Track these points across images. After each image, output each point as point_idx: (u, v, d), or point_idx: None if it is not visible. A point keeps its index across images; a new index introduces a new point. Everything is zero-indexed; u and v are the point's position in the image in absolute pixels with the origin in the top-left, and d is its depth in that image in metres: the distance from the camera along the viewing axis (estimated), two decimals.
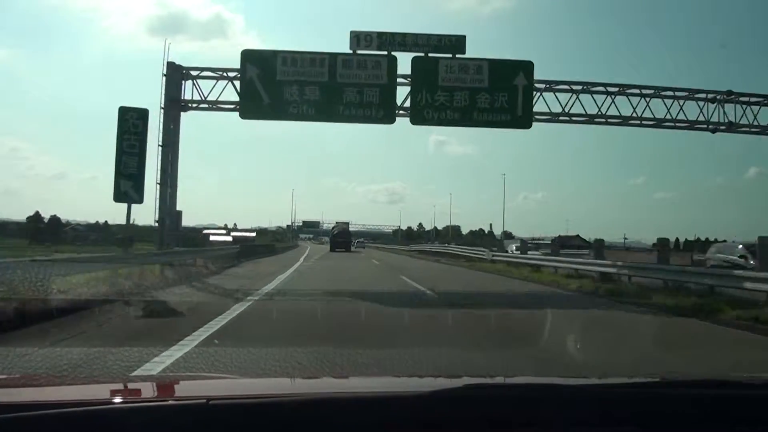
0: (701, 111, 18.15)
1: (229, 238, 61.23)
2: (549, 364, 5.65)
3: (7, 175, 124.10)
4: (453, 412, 1.54)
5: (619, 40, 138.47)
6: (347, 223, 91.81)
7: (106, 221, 73.65)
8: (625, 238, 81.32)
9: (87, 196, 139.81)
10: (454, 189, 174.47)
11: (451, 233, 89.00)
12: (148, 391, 2.02)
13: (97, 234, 68.35)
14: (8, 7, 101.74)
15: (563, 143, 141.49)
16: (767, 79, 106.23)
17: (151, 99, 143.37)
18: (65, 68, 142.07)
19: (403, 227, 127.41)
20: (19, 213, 79.95)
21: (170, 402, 1.55)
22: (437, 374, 4.02)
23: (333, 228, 65.41)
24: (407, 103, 17.20)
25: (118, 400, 1.56)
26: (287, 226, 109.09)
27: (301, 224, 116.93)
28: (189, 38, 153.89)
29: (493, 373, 4.32)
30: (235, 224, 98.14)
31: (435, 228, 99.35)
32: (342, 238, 56.10)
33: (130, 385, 2.34)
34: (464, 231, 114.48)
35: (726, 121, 17.99)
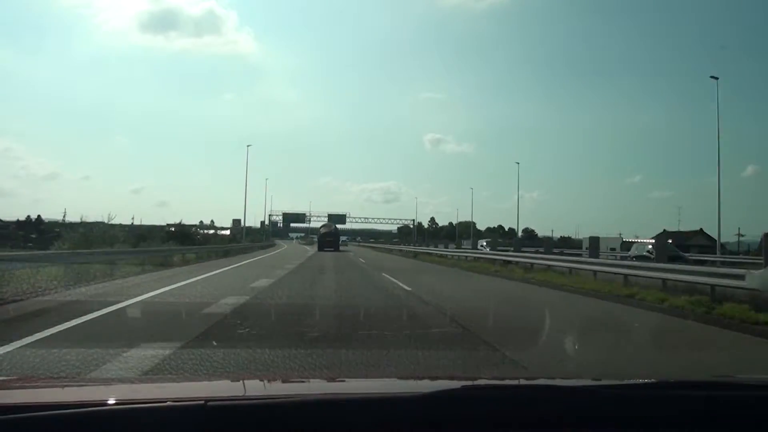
0: None
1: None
2: None
3: (0, 176, 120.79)
4: (452, 412, 1.55)
5: (616, 37, 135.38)
6: (343, 215, 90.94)
7: (39, 216, 68.31)
8: (740, 236, 60.20)
9: (80, 196, 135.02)
10: (453, 188, 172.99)
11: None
12: (146, 392, 2.02)
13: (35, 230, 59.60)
14: None
15: (561, 142, 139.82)
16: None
17: (148, 96, 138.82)
18: (57, 66, 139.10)
19: (401, 226, 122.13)
20: (13, 214, 77.26)
21: (168, 403, 1.53)
22: (436, 375, 3.96)
23: (321, 227, 65.27)
24: None
25: (116, 401, 1.55)
26: (269, 221, 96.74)
27: (281, 218, 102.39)
28: (182, 35, 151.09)
29: (491, 375, 4.19)
30: (212, 221, 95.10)
31: (446, 225, 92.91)
32: (330, 237, 56.97)
33: (128, 386, 2.33)
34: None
35: None
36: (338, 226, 76.70)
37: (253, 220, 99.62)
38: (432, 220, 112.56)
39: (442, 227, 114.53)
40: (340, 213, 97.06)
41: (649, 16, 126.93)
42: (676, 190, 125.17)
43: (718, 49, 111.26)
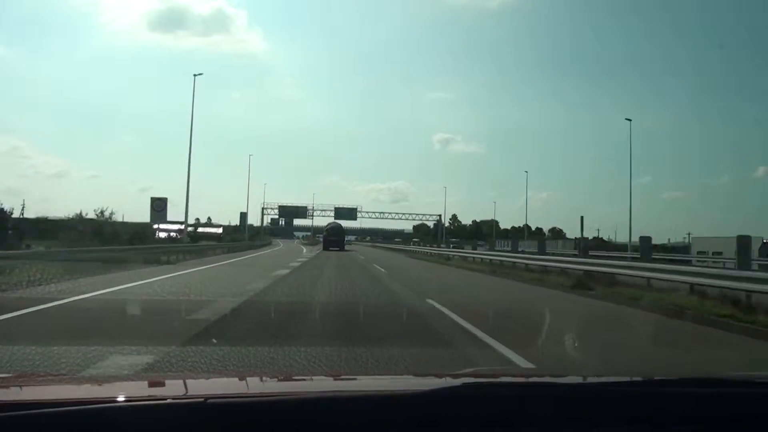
0: None
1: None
2: None
3: (8, 175, 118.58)
4: (453, 410, 1.53)
5: (627, 36, 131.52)
6: (354, 209, 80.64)
7: (2, 209, 58.15)
8: None
9: (88, 195, 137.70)
10: (462, 188, 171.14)
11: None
12: (146, 389, 2.01)
13: None
14: (5, 3, 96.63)
15: (569, 142, 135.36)
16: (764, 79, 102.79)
17: (156, 95, 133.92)
18: (65, 65, 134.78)
19: (411, 226, 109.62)
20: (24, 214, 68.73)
21: (168, 401, 1.53)
22: (437, 373, 3.75)
23: (326, 226, 64.40)
24: None
25: (116, 398, 1.55)
26: (263, 216, 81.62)
27: (278, 213, 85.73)
28: (190, 34, 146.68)
29: (493, 372, 3.95)
30: (209, 218, 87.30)
31: (469, 223, 77.69)
32: (335, 237, 56.33)
33: (129, 384, 2.32)
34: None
35: None
36: (349, 222, 74.67)
37: (255, 217, 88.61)
38: (454, 217, 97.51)
39: (464, 226, 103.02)
40: (350, 207, 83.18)
41: (658, 16, 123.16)
42: (686, 191, 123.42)
43: (729, 48, 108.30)
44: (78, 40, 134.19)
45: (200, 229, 69.40)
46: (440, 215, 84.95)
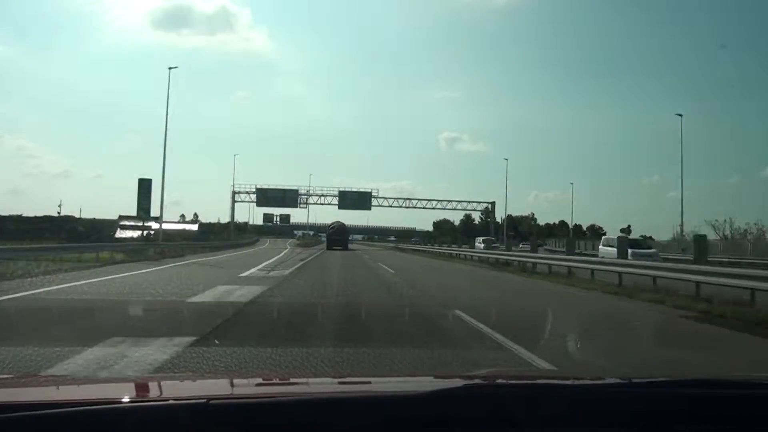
0: None
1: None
2: None
3: (13, 174, 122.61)
4: (453, 411, 1.53)
5: (635, 33, 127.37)
6: (367, 193, 68.42)
7: None
8: None
9: (93, 195, 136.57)
10: (468, 187, 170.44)
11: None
12: (148, 390, 2.00)
13: None
14: (9, 2, 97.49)
15: (576, 142, 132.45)
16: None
17: (160, 94, 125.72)
18: (69, 64, 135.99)
19: (420, 226, 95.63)
20: (27, 212, 68.16)
21: (170, 402, 1.53)
22: (437, 374, 3.85)
23: (330, 225, 63.16)
24: None
25: (118, 399, 1.54)
26: (234, 206, 64.52)
27: (257, 198, 64.17)
28: (194, 32, 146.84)
29: (497, 373, 3.98)
30: (195, 215, 77.10)
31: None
32: (339, 236, 55.33)
33: (130, 385, 2.31)
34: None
35: None
36: (360, 214, 72.30)
37: (244, 212, 75.32)
38: (486, 212, 77.94)
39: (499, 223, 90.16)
40: (363, 190, 67.21)
41: (665, 16, 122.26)
42: (694, 191, 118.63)
43: (735, 49, 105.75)
44: (82, 39, 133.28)
45: (173, 227, 59.93)
46: (493, 203, 65.00)
